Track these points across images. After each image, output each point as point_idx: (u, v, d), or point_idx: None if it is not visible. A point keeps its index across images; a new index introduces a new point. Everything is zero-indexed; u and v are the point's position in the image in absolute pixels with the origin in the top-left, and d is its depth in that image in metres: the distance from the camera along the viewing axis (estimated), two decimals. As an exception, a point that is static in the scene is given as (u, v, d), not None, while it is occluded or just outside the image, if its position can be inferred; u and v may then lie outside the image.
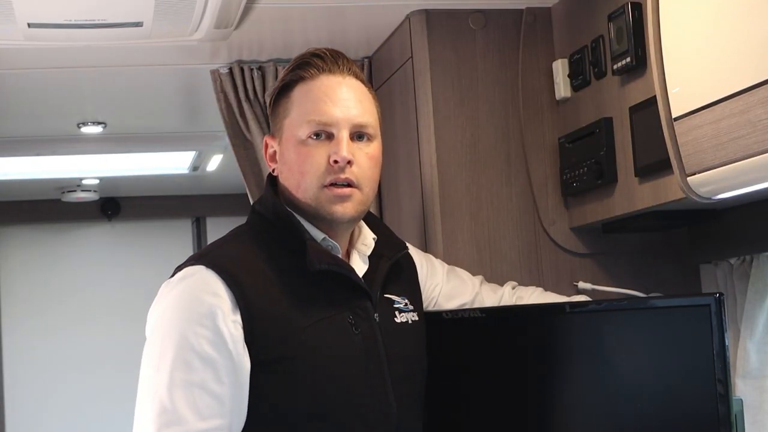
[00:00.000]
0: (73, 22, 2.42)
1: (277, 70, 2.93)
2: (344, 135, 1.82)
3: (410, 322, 1.95)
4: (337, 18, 2.65)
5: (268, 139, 1.92)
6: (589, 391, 1.96)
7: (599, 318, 1.99)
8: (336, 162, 1.81)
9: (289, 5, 2.55)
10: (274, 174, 1.90)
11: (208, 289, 1.74)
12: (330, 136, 1.83)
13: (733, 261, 2.40)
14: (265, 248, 1.82)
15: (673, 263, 2.56)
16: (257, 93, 2.95)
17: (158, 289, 1.82)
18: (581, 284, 2.50)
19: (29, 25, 2.42)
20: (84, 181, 5.42)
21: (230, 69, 2.96)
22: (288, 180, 1.86)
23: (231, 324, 1.72)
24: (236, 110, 2.99)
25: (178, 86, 3.40)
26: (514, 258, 2.50)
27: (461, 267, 2.38)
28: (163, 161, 4.91)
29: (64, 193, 5.57)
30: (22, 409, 6.13)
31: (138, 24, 2.47)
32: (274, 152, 1.90)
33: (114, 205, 6.11)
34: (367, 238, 1.95)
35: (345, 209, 1.83)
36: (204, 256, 1.81)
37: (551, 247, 2.52)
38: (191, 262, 1.80)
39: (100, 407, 6.14)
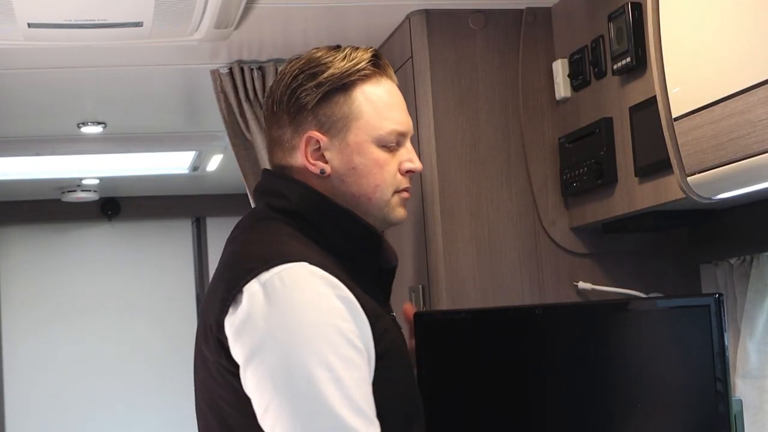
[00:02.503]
0: (73, 22, 2.42)
1: (277, 70, 2.93)
2: (410, 144, 1.82)
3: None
4: (337, 18, 2.65)
5: (314, 133, 1.76)
6: (589, 391, 1.95)
7: (599, 318, 1.99)
8: (412, 171, 1.80)
9: (289, 5, 2.55)
10: (324, 174, 1.77)
11: (331, 282, 1.62)
12: (399, 144, 1.81)
13: (733, 261, 2.40)
14: (320, 245, 1.73)
15: (673, 263, 2.56)
16: (257, 93, 2.95)
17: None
18: (581, 284, 2.50)
19: (29, 25, 2.42)
20: (84, 181, 5.42)
21: (230, 69, 2.96)
22: (355, 185, 1.77)
23: (363, 316, 1.64)
24: (236, 110, 2.99)
25: (178, 86, 3.40)
26: (514, 258, 2.50)
27: (461, 267, 2.38)
28: (163, 161, 4.91)
29: (64, 193, 5.56)
30: (21, 408, 6.12)
31: (138, 24, 2.47)
32: (318, 149, 1.77)
33: (114, 205, 6.10)
34: None
35: (406, 212, 1.84)
36: (292, 252, 1.65)
37: (551, 247, 2.52)
38: (283, 259, 1.63)
39: (99, 406, 6.14)
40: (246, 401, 1.62)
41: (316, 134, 1.76)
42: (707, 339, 1.73)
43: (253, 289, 1.62)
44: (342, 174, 1.77)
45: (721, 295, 1.75)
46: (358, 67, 1.77)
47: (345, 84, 1.76)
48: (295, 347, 1.57)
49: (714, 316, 1.73)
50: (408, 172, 1.80)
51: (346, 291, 1.63)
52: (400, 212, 1.81)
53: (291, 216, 1.76)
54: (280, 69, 1.84)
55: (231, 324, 1.63)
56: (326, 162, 1.77)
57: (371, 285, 1.76)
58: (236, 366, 1.62)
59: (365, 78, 1.77)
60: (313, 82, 1.76)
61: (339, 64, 1.76)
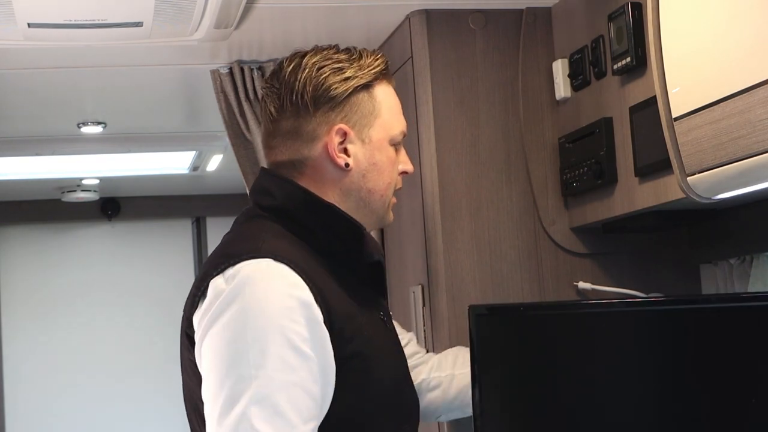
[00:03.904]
0: (73, 22, 2.42)
1: (277, 70, 2.93)
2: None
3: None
4: (338, 18, 2.65)
5: (344, 126, 1.78)
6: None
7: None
8: (406, 172, 1.86)
9: (289, 5, 2.55)
10: (347, 168, 1.78)
11: (290, 281, 1.62)
12: (400, 145, 1.86)
13: (733, 261, 2.40)
14: (306, 242, 1.73)
15: (673, 263, 2.56)
16: (257, 93, 2.95)
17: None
18: (581, 284, 2.50)
19: (29, 25, 2.42)
20: (84, 181, 5.42)
21: (230, 69, 2.96)
22: (372, 180, 1.80)
23: (319, 319, 1.63)
24: (236, 110, 2.99)
25: (178, 86, 3.40)
26: (514, 258, 2.50)
27: (461, 267, 2.38)
28: (163, 161, 4.91)
29: (64, 193, 5.57)
30: (21, 408, 6.13)
31: (138, 24, 2.47)
32: (343, 142, 1.79)
33: (114, 205, 6.11)
34: None
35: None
36: (260, 249, 1.66)
37: (551, 247, 2.52)
38: (250, 255, 1.65)
39: (100, 407, 6.15)
40: None
41: (345, 127, 1.78)
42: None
43: (216, 283, 1.65)
44: (364, 169, 1.80)
45: None
46: (379, 68, 1.81)
47: (369, 82, 1.80)
48: (231, 342, 1.60)
49: None
50: (403, 173, 1.86)
51: (305, 292, 1.63)
52: (391, 215, 1.86)
53: (277, 213, 1.77)
54: (287, 60, 1.83)
55: (197, 318, 1.67)
56: (348, 156, 1.79)
57: (358, 283, 1.77)
58: None
59: (382, 79, 1.82)
60: (341, 77, 1.78)
61: (359, 63, 1.80)
